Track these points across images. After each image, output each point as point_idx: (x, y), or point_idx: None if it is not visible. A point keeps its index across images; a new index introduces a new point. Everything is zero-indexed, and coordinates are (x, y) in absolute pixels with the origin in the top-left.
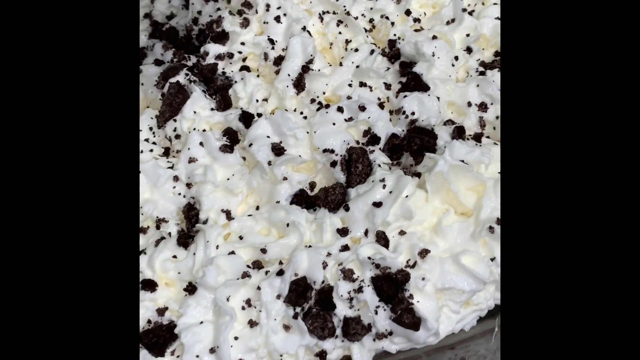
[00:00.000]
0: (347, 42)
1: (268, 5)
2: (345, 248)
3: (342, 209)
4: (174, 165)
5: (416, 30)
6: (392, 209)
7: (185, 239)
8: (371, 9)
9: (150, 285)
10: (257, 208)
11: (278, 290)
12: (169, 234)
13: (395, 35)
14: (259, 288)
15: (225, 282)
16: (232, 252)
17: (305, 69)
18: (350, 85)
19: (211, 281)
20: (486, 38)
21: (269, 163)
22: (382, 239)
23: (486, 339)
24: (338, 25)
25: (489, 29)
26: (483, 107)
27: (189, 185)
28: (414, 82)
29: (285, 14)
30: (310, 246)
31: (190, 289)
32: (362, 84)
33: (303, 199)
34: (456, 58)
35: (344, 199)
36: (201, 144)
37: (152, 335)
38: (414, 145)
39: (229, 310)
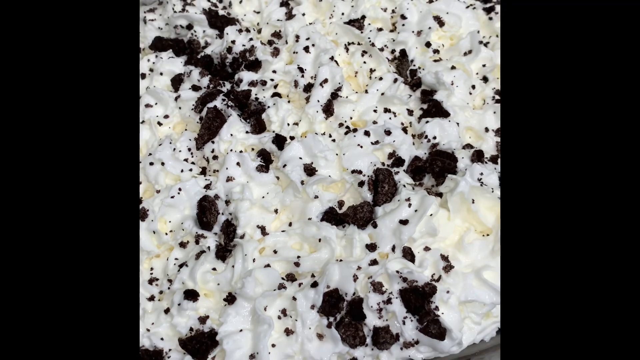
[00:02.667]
0: (372, 71)
1: (297, 37)
2: (374, 262)
3: (370, 226)
4: (212, 183)
5: (435, 61)
6: (417, 226)
7: (223, 253)
8: (393, 40)
9: (193, 295)
10: (290, 224)
11: (312, 301)
12: (208, 248)
13: (415, 65)
14: (294, 299)
15: (263, 293)
16: (268, 265)
17: (334, 95)
18: (375, 110)
19: (250, 292)
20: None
21: (302, 182)
22: (409, 254)
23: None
24: (363, 55)
25: None
26: (499, 132)
27: (227, 202)
28: (435, 109)
29: (313, 45)
30: (341, 260)
31: (230, 299)
32: (386, 110)
33: (333, 216)
34: (473, 87)
35: (372, 217)
36: (238, 164)
37: (195, 342)
38: (435, 167)
39: (267, 319)
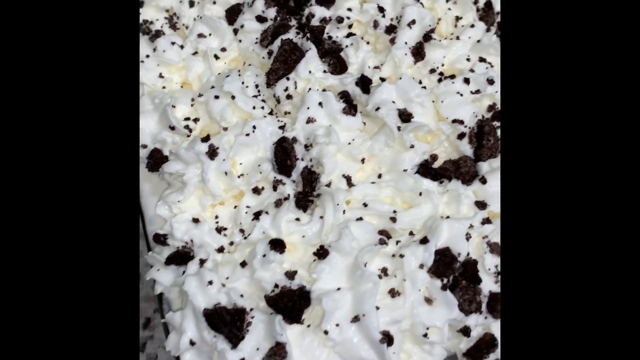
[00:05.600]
0: (457, 18)
1: None
2: (486, 221)
3: (478, 181)
4: (287, 125)
5: None
6: None
7: (305, 202)
8: None
9: (280, 246)
10: (380, 176)
11: (422, 259)
12: (288, 195)
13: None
14: (401, 256)
15: (364, 247)
16: (360, 219)
17: (427, 37)
18: (468, 59)
19: (347, 245)
20: None
21: (398, 128)
22: None
23: None
24: (447, 1)
25: None
26: None
27: (307, 147)
28: None
29: None
30: (448, 217)
31: (322, 252)
32: (481, 59)
33: (428, 170)
34: None
35: (477, 172)
36: (320, 104)
37: (286, 300)
38: None
39: (372, 277)
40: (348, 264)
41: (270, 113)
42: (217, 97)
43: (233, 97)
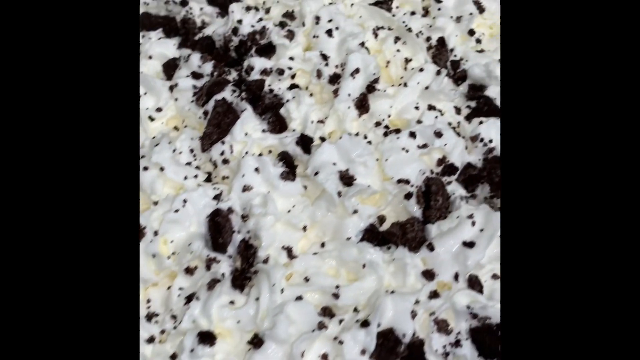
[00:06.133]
0: (407, 60)
1: (317, 18)
2: (434, 294)
3: (425, 248)
4: (223, 193)
5: (479, 52)
6: (487, 249)
7: (242, 281)
8: (430, 26)
9: (210, 338)
10: (323, 245)
11: (363, 344)
12: (222, 275)
13: (456, 55)
14: (339, 342)
15: (300, 335)
16: (300, 297)
17: (370, 88)
18: (417, 107)
19: (282, 333)
20: None
21: (339, 194)
22: (477, 285)
23: None
24: (396, 42)
25: None
26: None
27: (244, 217)
28: (487, 107)
29: (337, 28)
30: (393, 292)
31: (257, 342)
32: (430, 107)
33: (374, 235)
34: None
35: (425, 237)
36: (257, 170)
37: None
38: (495, 177)
39: None
40: (285, 352)
41: (208, 179)
42: (146, 168)
43: (162, 169)
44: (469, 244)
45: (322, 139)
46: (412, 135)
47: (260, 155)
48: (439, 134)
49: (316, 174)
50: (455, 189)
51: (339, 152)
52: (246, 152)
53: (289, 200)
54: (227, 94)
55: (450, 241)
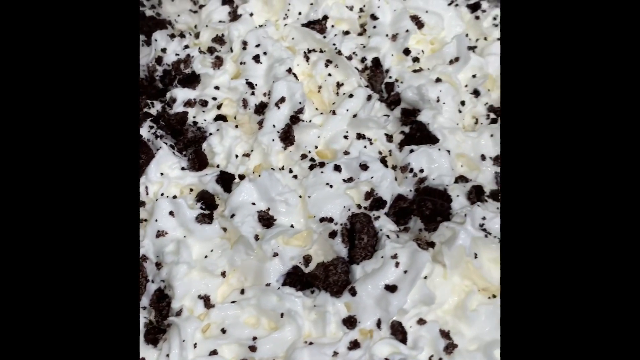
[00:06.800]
0: (339, 85)
1: (245, 43)
2: (354, 345)
3: (347, 293)
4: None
5: (415, 71)
6: (409, 294)
7: (155, 335)
8: (363, 46)
9: None
10: (242, 292)
11: None
12: None
13: (391, 77)
14: None
15: None
16: (214, 352)
17: (294, 119)
18: (346, 137)
19: None
20: (492, 78)
21: (256, 237)
22: (400, 332)
23: None
24: (327, 65)
25: (495, 68)
26: (499, 160)
27: (158, 265)
28: (419, 133)
29: (265, 53)
30: (311, 343)
31: None
32: (360, 136)
33: (297, 279)
34: (463, 103)
35: (348, 279)
36: (171, 213)
37: None
38: (425, 210)
39: None
40: None
41: None
42: None
43: None
44: (391, 288)
45: (241, 177)
46: (337, 168)
47: (175, 197)
48: (364, 167)
49: (232, 216)
50: (384, 224)
51: (258, 190)
52: (161, 194)
53: (206, 244)
54: (145, 130)
55: (373, 284)
